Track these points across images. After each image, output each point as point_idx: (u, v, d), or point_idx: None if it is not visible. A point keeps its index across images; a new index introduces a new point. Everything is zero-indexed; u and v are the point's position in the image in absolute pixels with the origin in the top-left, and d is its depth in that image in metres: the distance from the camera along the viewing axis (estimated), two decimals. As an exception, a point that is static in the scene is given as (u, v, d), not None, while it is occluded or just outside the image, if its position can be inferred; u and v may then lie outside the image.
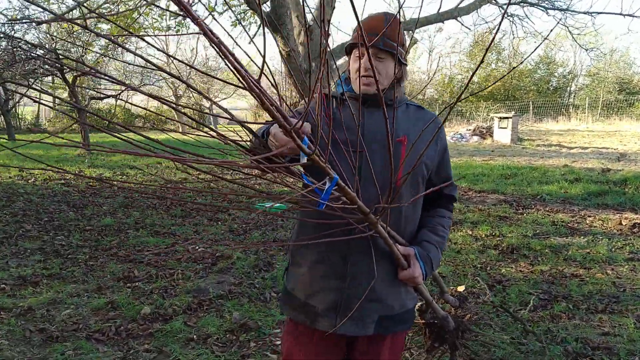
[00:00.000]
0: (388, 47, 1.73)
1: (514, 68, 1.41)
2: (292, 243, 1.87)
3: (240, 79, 1.14)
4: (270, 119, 1.28)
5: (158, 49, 1.09)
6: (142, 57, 1.18)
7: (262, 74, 1.25)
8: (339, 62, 7.84)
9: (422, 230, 1.91)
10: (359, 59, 1.76)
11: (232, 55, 1.13)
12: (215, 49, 1.09)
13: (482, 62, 1.23)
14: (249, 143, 1.66)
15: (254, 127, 1.60)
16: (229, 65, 1.14)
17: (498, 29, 1.23)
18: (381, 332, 1.82)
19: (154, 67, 1.20)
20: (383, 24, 1.74)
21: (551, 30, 1.47)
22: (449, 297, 2.15)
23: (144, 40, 1.16)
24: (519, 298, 4.48)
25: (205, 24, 1.04)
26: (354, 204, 1.48)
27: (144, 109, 1.55)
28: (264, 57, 1.18)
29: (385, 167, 1.71)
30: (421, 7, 1.36)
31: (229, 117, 1.36)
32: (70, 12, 9.95)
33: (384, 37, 1.72)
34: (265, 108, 1.20)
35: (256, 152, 1.57)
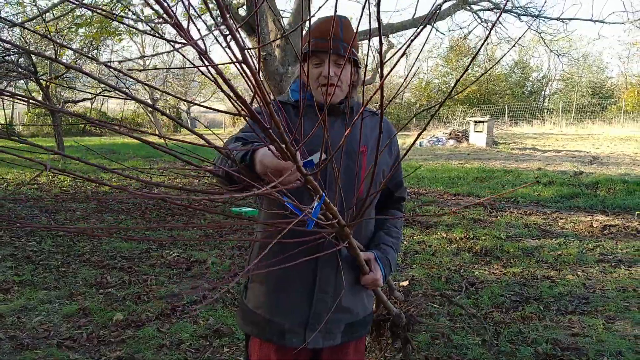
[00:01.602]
0: (349, 54, 1.73)
1: (485, 73, 1.45)
2: (279, 267, 1.60)
3: (242, 108, 1.08)
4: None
5: (139, 81, 1.08)
6: (104, 83, 1.14)
7: (257, 97, 1.10)
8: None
9: (378, 232, 1.93)
10: (325, 66, 1.72)
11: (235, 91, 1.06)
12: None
13: (465, 71, 1.24)
14: (219, 166, 1.48)
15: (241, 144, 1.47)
16: (230, 96, 1.08)
17: (485, 42, 1.25)
18: (347, 339, 1.83)
19: (113, 88, 1.13)
20: (337, 28, 1.72)
21: (521, 36, 1.50)
22: (397, 293, 2.20)
23: (103, 64, 1.14)
24: (491, 300, 4.54)
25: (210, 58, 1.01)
26: (335, 219, 1.46)
27: (101, 123, 1.41)
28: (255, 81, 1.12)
29: (349, 178, 1.72)
30: (392, 12, 1.38)
31: (201, 125, 1.33)
32: (45, 15, 9.82)
33: (343, 43, 1.71)
34: (271, 139, 1.16)
35: (231, 174, 1.40)
